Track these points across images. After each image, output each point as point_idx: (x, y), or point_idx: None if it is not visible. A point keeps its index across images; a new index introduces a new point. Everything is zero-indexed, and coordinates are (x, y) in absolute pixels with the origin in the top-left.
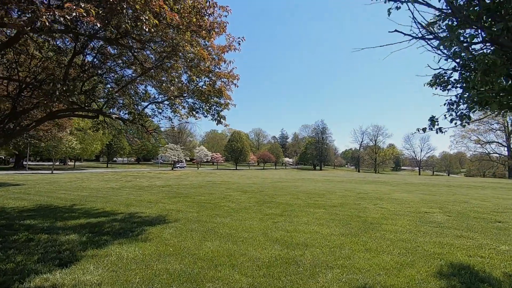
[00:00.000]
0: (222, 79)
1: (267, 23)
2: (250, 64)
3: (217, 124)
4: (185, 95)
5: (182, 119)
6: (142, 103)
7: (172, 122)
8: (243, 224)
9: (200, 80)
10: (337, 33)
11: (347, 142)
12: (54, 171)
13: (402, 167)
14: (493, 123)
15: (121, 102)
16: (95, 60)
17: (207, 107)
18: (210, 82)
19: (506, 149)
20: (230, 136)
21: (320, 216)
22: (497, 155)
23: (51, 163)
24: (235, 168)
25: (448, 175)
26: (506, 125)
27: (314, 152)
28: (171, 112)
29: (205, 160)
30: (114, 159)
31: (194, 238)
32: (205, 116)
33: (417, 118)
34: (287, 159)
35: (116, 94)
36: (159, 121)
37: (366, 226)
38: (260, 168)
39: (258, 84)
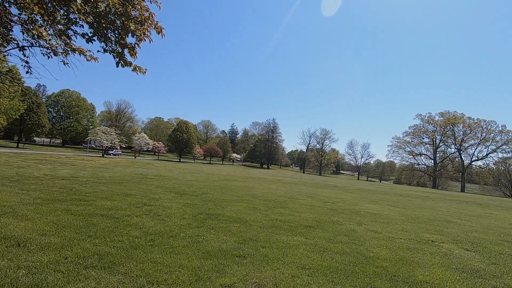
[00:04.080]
0: None
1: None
2: (204, 51)
3: (118, 63)
4: None
5: (51, 52)
6: None
7: (25, 54)
8: None
9: None
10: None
11: (295, 143)
12: None
13: (341, 171)
14: (424, 137)
15: None
16: None
17: (96, 25)
18: None
19: (432, 161)
20: (176, 126)
21: (308, 260)
22: (425, 166)
23: None
24: (178, 160)
25: (380, 181)
26: (434, 140)
27: (263, 150)
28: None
29: (146, 149)
30: (34, 139)
31: None
32: (89, 41)
33: (363, 123)
34: (235, 155)
35: None
36: None
37: None
38: (206, 162)
39: (209, 75)
